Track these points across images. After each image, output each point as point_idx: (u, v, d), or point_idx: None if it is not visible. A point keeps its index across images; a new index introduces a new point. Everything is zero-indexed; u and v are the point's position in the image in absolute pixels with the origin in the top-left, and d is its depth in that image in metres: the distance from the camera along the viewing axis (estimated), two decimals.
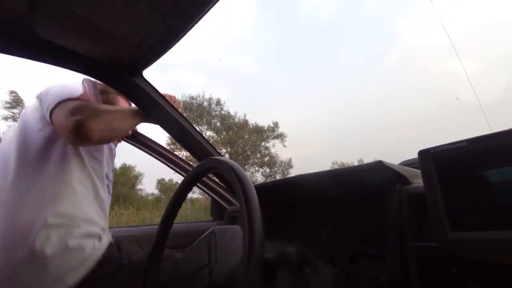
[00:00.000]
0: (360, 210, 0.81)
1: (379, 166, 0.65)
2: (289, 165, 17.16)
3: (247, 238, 0.43)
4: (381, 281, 0.66)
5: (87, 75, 0.94)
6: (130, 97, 1.01)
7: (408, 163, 0.85)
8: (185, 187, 0.72)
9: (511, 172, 0.47)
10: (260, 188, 1.00)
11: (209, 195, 1.38)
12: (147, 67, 0.95)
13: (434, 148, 0.52)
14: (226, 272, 0.52)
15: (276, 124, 17.16)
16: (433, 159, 0.52)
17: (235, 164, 0.54)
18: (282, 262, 0.58)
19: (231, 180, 0.52)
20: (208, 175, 1.39)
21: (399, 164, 0.72)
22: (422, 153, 0.53)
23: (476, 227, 0.48)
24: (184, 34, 0.85)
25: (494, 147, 0.48)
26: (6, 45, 0.78)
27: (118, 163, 16.46)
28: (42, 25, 0.75)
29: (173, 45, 0.88)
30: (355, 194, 0.81)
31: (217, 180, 1.37)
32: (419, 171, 0.74)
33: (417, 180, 0.70)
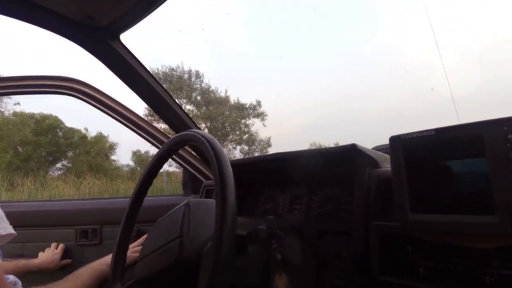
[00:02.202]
0: (332, 190, 0.84)
1: (353, 149, 0.68)
2: (268, 144, 17.32)
3: (219, 213, 0.44)
4: (344, 255, 0.71)
5: (61, 36, 0.87)
6: (105, 62, 0.96)
7: (380, 148, 0.88)
8: (160, 159, 0.71)
9: (471, 164, 0.51)
10: (237, 164, 1.01)
11: (184, 167, 1.38)
12: (125, 30, 0.90)
13: (404, 135, 0.55)
14: (197, 246, 0.53)
15: (258, 103, 17.08)
16: (402, 145, 0.55)
17: (212, 138, 0.54)
18: (252, 240, 0.61)
19: (207, 154, 0.52)
20: (185, 147, 1.38)
21: (372, 149, 0.75)
22: (393, 139, 0.56)
23: (434, 211, 0.52)
24: None
25: (458, 138, 0.51)
26: None
27: (92, 131, 15.83)
28: None
29: (155, 8, 0.83)
30: (327, 174, 0.84)
31: (193, 153, 1.36)
32: (389, 156, 0.78)
33: (387, 165, 0.73)
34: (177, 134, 0.66)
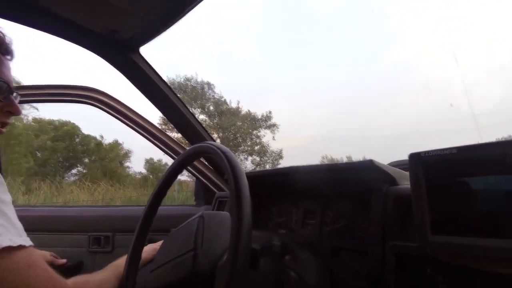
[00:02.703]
0: (347, 206, 0.82)
1: (369, 165, 0.67)
2: (279, 155, 17.27)
3: (235, 227, 0.44)
4: (360, 274, 0.69)
5: (83, 47, 0.91)
6: (124, 74, 0.99)
7: (396, 164, 0.86)
8: (175, 170, 0.71)
9: (494, 182, 0.49)
10: (250, 176, 1.00)
11: (197, 177, 1.38)
12: (145, 43, 0.93)
13: (424, 152, 0.53)
14: (211, 260, 0.53)
15: (269, 113, 17.15)
16: (422, 163, 0.53)
17: (228, 150, 0.54)
18: (266, 253, 0.60)
19: (223, 166, 0.52)
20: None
21: (387, 164, 0.74)
22: (412, 156, 0.55)
23: (456, 232, 0.50)
24: (187, 13, 0.83)
25: (481, 157, 0.49)
26: (5, 9, 0.75)
27: (108, 138, 16.23)
28: None
29: (174, 23, 0.86)
30: (343, 190, 0.82)
31: (206, 163, 1.37)
32: (407, 173, 0.76)
33: (404, 182, 0.71)
34: (193, 146, 0.66)
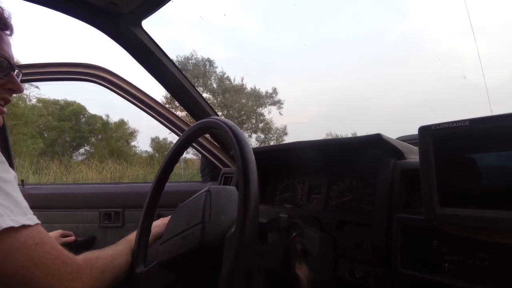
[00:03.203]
0: (353, 180, 0.82)
1: (377, 139, 0.66)
2: (284, 132, 17.25)
3: (243, 199, 0.44)
4: (364, 246, 0.70)
5: (85, 22, 0.88)
6: (127, 48, 0.97)
7: (405, 139, 0.85)
8: (181, 145, 0.72)
9: (507, 157, 0.48)
10: (256, 152, 1.00)
11: (202, 154, 1.39)
12: (147, 17, 0.90)
13: (435, 125, 0.52)
14: (218, 232, 0.54)
15: (274, 90, 16.93)
16: (432, 136, 0.52)
17: (234, 125, 0.53)
18: (274, 228, 0.61)
19: (230, 141, 0.51)
20: (204, 135, 1.39)
21: (396, 139, 0.73)
22: (422, 129, 0.53)
23: (464, 204, 0.49)
24: None
25: (494, 130, 0.48)
26: None
27: (114, 117, 16.28)
28: None
29: None
30: (349, 164, 0.82)
31: (211, 139, 1.37)
32: (416, 147, 0.75)
33: (412, 156, 0.70)
34: (199, 121, 0.66)
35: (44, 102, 14.05)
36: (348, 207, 0.82)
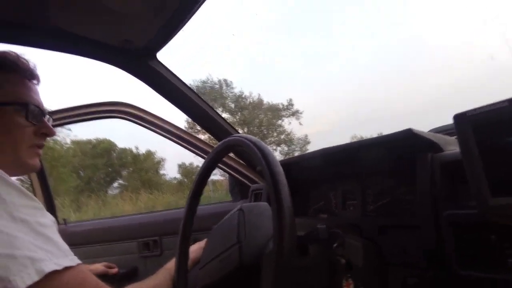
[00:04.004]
0: (388, 182, 0.78)
1: (408, 134, 0.62)
2: (305, 141, 17.06)
3: (276, 214, 0.43)
4: (413, 251, 0.65)
5: (103, 62, 0.94)
6: (145, 81, 1.01)
7: (437, 131, 0.80)
8: (208, 168, 0.72)
9: None
10: (283, 164, 0.99)
11: (229, 174, 1.39)
12: (160, 48, 0.94)
13: (471, 110, 0.48)
14: (256, 250, 0.52)
15: (290, 101, 16.93)
16: (470, 123, 0.48)
17: (258, 140, 0.53)
18: (313, 240, 0.58)
19: (255, 156, 0.51)
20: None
21: (428, 132, 0.69)
22: (458, 117, 0.50)
23: None
24: (195, 11, 0.82)
25: None
26: (21, 36, 0.79)
27: (142, 149, 16.98)
28: (54, 12, 0.75)
29: (185, 22, 0.85)
30: (382, 165, 0.78)
31: (236, 158, 1.37)
32: (451, 138, 0.70)
33: (450, 147, 0.66)
34: (222, 141, 0.66)
35: (77, 143, 14.99)
36: (388, 210, 0.77)
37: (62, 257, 0.48)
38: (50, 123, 0.67)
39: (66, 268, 0.47)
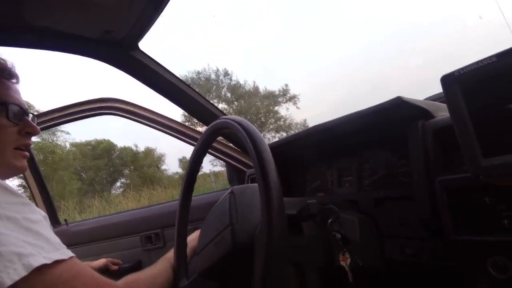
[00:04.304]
0: (383, 154, 0.77)
1: (397, 102, 0.61)
2: (304, 126, 17.04)
3: (263, 191, 0.42)
4: (410, 221, 0.65)
5: (85, 55, 0.91)
6: (130, 73, 0.99)
7: (431, 99, 0.78)
8: (198, 154, 0.71)
9: None
10: (273, 147, 0.98)
11: (226, 161, 1.38)
12: (141, 37, 0.91)
13: (458, 70, 0.47)
14: (249, 231, 0.52)
15: (286, 86, 16.82)
16: (458, 83, 0.47)
17: (242, 120, 0.51)
18: (305, 216, 0.57)
19: (241, 136, 0.49)
20: (222, 141, 1.39)
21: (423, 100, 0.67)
22: (445, 78, 0.48)
23: (510, 150, 0.44)
24: None
25: None
26: None
27: (141, 146, 17.00)
28: (29, 10, 0.72)
29: (162, 9, 0.83)
30: (375, 137, 0.77)
31: (232, 145, 1.36)
32: (443, 104, 0.68)
33: (441, 113, 0.64)
34: (209, 126, 0.65)
35: (77, 145, 14.98)
36: (383, 183, 0.77)
37: (53, 251, 0.47)
38: (34, 122, 0.65)
39: (57, 262, 0.46)
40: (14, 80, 0.63)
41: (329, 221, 0.61)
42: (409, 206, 0.66)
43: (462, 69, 0.46)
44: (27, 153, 0.64)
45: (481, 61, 0.44)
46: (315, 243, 0.61)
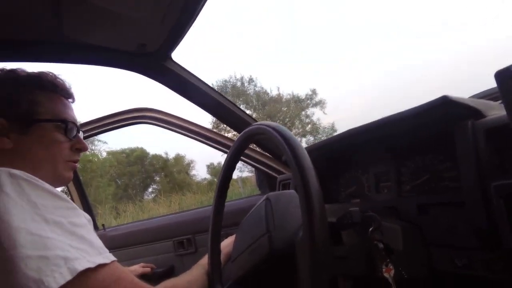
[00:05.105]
0: (425, 157, 0.72)
1: (444, 102, 0.56)
2: (332, 129, 16.69)
3: (304, 199, 0.40)
4: (460, 230, 0.59)
5: (120, 68, 0.96)
6: (164, 83, 1.02)
7: (480, 96, 0.73)
8: (232, 161, 0.71)
9: None
10: (309, 151, 0.95)
11: (255, 167, 1.38)
12: (174, 48, 0.94)
13: None
14: (286, 238, 0.51)
15: (314, 91, 16.61)
16: None
17: (278, 125, 0.50)
18: (347, 224, 0.55)
19: (277, 141, 0.48)
20: (252, 147, 1.38)
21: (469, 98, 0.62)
22: (500, 73, 0.44)
23: None
24: (202, 6, 0.81)
25: None
26: (36, 52, 0.82)
27: (171, 153, 17.60)
28: (68, 26, 0.77)
29: (194, 20, 0.85)
30: (416, 140, 0.72)
31: (261, 151, 1.35)
32: (495, 102, 0.63)
33: (493, 112, 0.59)
34: (243, 131, 0.64)
35: (112, 154, 15.85)
36: (427, 188, 0.72)
37: (96, 254, 0.49)
38: (82, 139, 0.70)
39: (100, 266, 0.48)
40: (71, 100, 0.69)
41: (370, 229, 0.57)
42: (458, 213, 0.61)
43: None
44: (76, 165, 0.68)
45: None
46: (356, 253, 0.58)
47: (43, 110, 0.61)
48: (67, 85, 0.68)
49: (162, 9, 0.77)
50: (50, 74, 0.66)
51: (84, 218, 0.53)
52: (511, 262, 0.52)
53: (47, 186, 0.52)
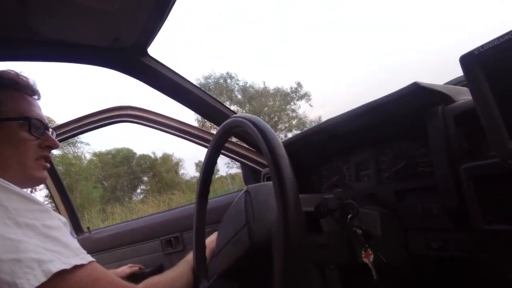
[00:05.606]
0: (401, 145, 0.74)
1: (414, 89, 0.58)
2: (319, 123, 16.83)
3: (278, 188, 0.40)
4: (434, 213, 0.62)
5: (96, 65, 0.93)
6: (141, 79, 1.00)
7: (451, 83, 0.75)
8: (212, 156, 0.70)
9: None
10: (287, 144, 0.96)
11: (241, 162, 1.38)
12: (150, 42, 0.92)
13: (477, 48, 0.44)
14: (266, 230, 0.51)
15: (299, 84, 16.67)
16: (479, 62, 0.44)
17: (253, 116, 0.51)
18: (323, 212, 0.56)
19: (252, 133, 0.48)
20: (237, 142, 1.38)
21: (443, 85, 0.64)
22: (464, 57, 0.45)
23: None
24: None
25: None
26: (5, 50, 0.79)
27: (158, 153, 17.36)
28: (36, 21, 0.74)
29: (168, 13, 0.83)
30: (391, 128, 0.74)
31: (246, 146, 1.35)
32: (464, 88, 0.65)
33: (462, 97, 0.61)
34: (220, 126, 0.64)
35: (97, 155, 15.48)
36: (404, 174, 0.74)
37: (72, 256, 0.48)
38: (53, 136, 0.68)
39: (76, 267, 0.47)
40: (36, 97, 0.67)
41: (349, 216, 0.59)
42: (432, 197, 0.63)
43: (481, 46, 0.43)
44: (47, 164, 0.66)
45: (501, 36, 0.41)
46: (336, 241, 0.59)
47: (5, 109, 0.59)
48: (31, 82, 0.66)
49: (133, 1, 0.75)
50: (12, 72, 0.64)
51: (58, 220, 0.52)
52: (481, 241, 0.54)
53: (18, 189, 0.50)
